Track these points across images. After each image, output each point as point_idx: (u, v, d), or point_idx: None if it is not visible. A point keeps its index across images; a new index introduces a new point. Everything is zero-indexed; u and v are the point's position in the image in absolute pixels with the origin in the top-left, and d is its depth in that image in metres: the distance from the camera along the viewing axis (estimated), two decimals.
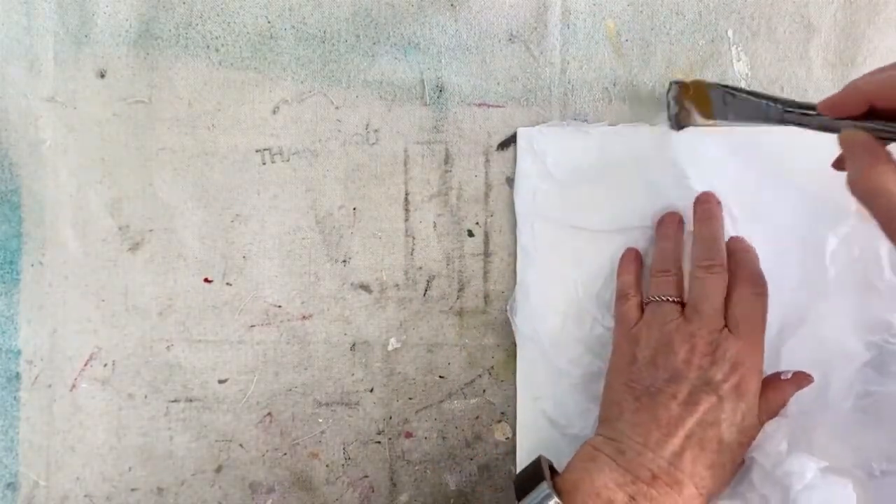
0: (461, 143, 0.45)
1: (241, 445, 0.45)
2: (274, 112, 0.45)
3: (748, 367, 0.37)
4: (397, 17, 0.45)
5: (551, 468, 0.39)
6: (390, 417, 0.45)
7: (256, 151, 0.45)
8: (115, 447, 0.45)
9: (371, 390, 0.45)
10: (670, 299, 0.40)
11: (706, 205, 0.41)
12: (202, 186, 0.45)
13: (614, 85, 0.44)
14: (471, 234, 0.45)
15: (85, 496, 0.45)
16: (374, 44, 0.45)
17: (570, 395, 0.42)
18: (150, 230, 0.46)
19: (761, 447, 0.38)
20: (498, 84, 0.45)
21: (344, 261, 0.45)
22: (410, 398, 0.45)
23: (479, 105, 0.45)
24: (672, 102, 0.41)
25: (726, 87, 0.39)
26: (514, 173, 0.44)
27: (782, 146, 0.41)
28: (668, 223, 0.42)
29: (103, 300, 0.46)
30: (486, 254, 0.45)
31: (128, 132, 0.46)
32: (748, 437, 0.38)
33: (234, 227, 0.45)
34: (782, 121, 0.37)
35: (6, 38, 0.46)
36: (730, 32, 0.44)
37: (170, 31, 0.45)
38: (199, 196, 0.45)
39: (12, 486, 0.45)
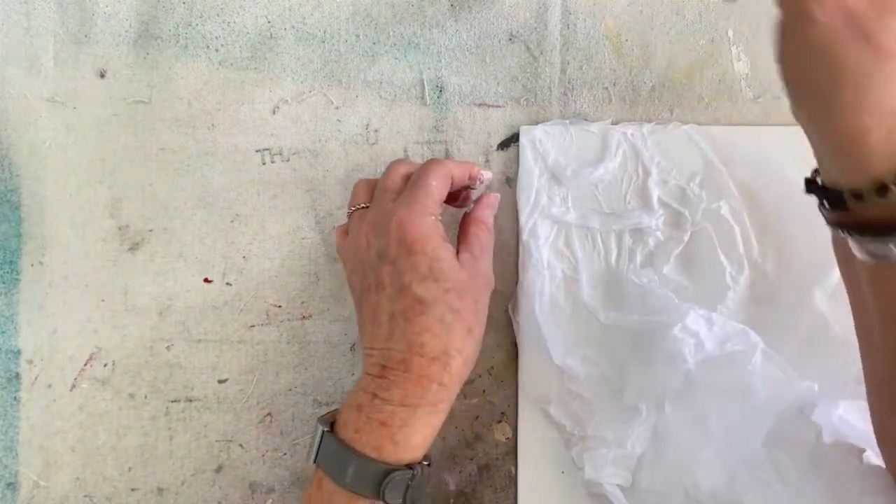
0: (461, 143, 0.45)
1: (241, 445, 0.45)
2: (274, 112, 0.45)
3: (404, 214, 0.36)
4: (397, 17, 0.45)
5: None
6: None
7: (256, 151, 0.45)
8: (115, 447, 0.45)
9: None
10: (358, 207, 0.40)
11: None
12: (202, 186, 0.45)
13: (614, 85, 0.44)
14: None
15: (85, 496, 0.45)
16: (374, 44, 0.45)
17: (571, 394, 0.42)
18: (150, 230, 0.46)
19: (794, 439, 0.37)
20: (498, 84, 0.45)
21: None
22: None
23: (479, 105, 0.45)
24: None
25: None
26: (514, 173, 0.44)
27: (781, 152, 0.41)
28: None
29: (103, 300, 0.46)
30: None
31: (128, 132, 0.46)
32: (455, 279, 0.36)
33: (234, 227, 0.45)
34: None
35: (6, 38, 0.46)
36: (730, 32, 0.44)
37: (170, 31, 0.45)
38: (199, 196, 0.45)
39: (12, 486, 0.45)
